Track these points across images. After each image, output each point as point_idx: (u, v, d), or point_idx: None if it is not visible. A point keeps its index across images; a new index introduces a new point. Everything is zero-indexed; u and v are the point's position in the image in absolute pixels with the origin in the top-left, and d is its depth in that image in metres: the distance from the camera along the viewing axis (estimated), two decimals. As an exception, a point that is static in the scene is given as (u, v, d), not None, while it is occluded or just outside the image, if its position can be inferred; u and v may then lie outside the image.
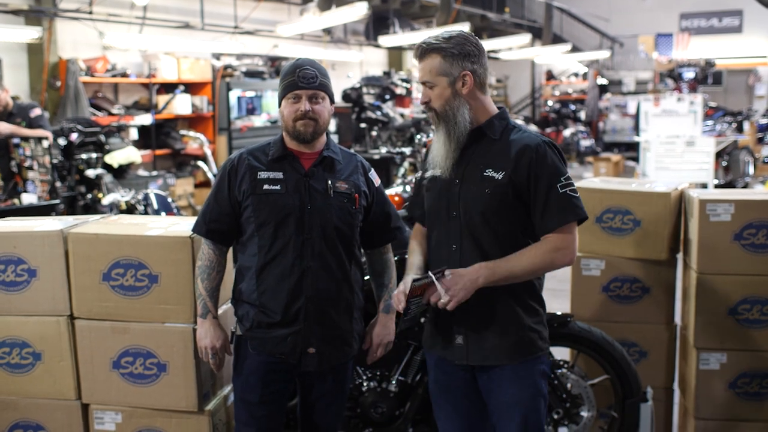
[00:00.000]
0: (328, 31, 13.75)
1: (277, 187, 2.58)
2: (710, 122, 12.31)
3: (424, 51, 2.41)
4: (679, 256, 3.66)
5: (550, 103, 20.31)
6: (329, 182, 2.63)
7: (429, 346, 2.61)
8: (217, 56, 11.45)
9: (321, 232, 2.59)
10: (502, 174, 2.38)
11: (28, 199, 5.97)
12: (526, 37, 16.01)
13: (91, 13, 9.38)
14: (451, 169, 2.45)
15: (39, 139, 6.15)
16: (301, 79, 2.57)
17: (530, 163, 2.37)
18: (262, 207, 2.58)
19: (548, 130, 18.73)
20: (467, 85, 2.40)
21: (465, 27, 12.26)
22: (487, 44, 16.52)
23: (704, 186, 10.20)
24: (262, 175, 2.60)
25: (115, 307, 2.88)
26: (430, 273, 2.37)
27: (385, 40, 13.38)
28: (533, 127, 17.49)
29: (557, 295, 4.05)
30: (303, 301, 2.57)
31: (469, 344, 2.46)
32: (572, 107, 19.62)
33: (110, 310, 2.89)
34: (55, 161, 6.79)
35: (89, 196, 7.23)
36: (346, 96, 10.15)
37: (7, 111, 6.40)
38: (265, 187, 2.59)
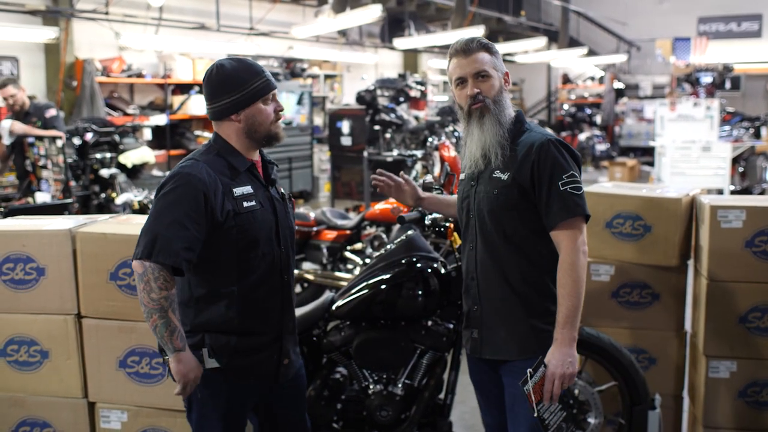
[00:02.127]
0: (343, 33, 13.77)
1: (253, 203, 2.40)
2: (727, 127, 12.21)
3: (477, 46, 2.50)
4: (690, 262, 3.63)
5: (565, 106, 20.22)
6: (281, 189, 2.58)
7: (464, 342, 2.70)
8: (232, 57, 11.47)
9: (290, 241, 2.56)
10: (507, 175, 2.46)
11: (42, 197, 6.01)
12: (541, 41, 15.97)
13: (107, 13, 9.45)
14: (474, 172, 2.54)
15: (53, 139, 6.20)
16: (271, 78, 2.45)
17: (533, 162, 2.42)
18: (249, 226, 2.38)
19: (563, 133, 18.63)
20: (508, 85, 2.56)
21: (480, 30, 12.24)
22: (503, 47, 16.47)
23: (720, 192, 10.13)
24: (237, 191, 2.38)
25: (122, 307, 2.90)
26: (529, 370, 2.37)
27: (400, 43, 13.38)
28: (548, 131, 17.38)
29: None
30: (285, 314, 2.55)
31: (483, 338, 2.56)
32: (588, 111, 19.52)
33: (117, 310, 2.90)
34: (69, 161, 6.84)
35: (103, 195, 7.29)
36: (360, 98, 10.10)
37: (24, 110, 6.46)
38: (245, 204, 2.38)
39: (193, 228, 2.27)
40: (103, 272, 2.89)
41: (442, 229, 3.12)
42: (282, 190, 2.59)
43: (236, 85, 2.37)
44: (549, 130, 2.50)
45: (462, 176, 2.65)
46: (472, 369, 2.71)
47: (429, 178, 3.13)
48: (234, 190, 2.37)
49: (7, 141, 6.25)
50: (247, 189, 2.41)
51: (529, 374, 2.37)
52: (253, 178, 2.47)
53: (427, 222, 3.14)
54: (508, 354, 2.52)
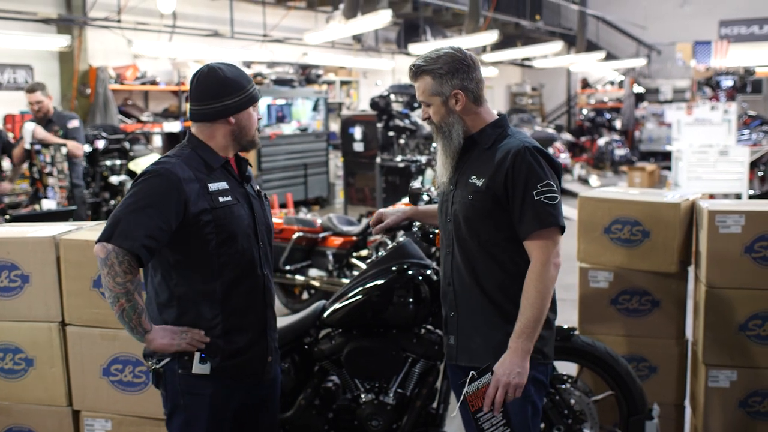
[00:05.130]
0: (358, 39, 13.75)
1: (229, 198, 2.40)
2: (747, 131, 12.00)
3: (415, 72, 2.47)
4: (691, 269, 3.54)
5: (585, 111, 20.05)
6: (256, 186, 2.58)
7: (444, 349, 2.66)
8: (248, 64, 11.51)
9: (267, 237, 2.56)
10: (482, 181, 2.41)
11: (48, 204, 6.03)
12: (558, 45, 15.84)
13: (119, 21, 9.50)
14: (449, 178, 2.52)
15: (59, 146, 6.20)
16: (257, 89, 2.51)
17: (507, 169, 2.36)
18: (225, 221, 2.37)
19: (582, 138, 18.50)
20: (460, 102, 2.43)
21: (493, 35, 12.16)
22: (521, 52, 16.38)
23: (738, 196, 9.95)
24: (213, 186, 2.37)
25: (105, 314, 2.88)
26: (472, 373, 2.32)
27: (416, 48, 13.33)
28: (567, 135, 17.25)
29: (563, 306, 3.92)
30: (268, 309, 2.54)
31: (459, 345, 2.53)
32: (607, 116, 19.35)
33: (100, 317, 2.89)
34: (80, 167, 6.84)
35: (113, 202, 7.31)
36: (373, 104, 10.06)
37: (47, 117, 6.44)
38: (221, 199, 2.37)
39: (159, 219, 2.25)
40: (86, 279, 2.87)
41: (431, 236, 3.07)
42: (257, 187, 2.58)
43: (236, 88, 2.41)
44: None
45: (444, 179, 2.59)
46: (451, 377, 2.65)
47: (416, 185, 3.09)
48: (209, 185, 2.37)
49: (28, 144, 6.26)
50: (223, 185, 2.41)
51: (470, 376, 2.31)
52: (228, 174, 2.47)
53: (414, 229, 3.09)
54: (483, 362, 2.43)
